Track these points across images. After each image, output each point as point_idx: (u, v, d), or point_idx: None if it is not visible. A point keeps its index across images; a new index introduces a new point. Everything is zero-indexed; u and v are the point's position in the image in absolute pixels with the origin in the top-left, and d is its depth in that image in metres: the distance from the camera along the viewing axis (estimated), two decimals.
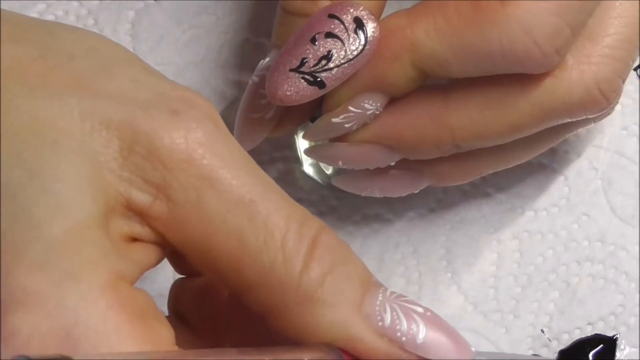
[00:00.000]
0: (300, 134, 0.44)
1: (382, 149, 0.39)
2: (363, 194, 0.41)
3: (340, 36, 0.36)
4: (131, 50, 0.47)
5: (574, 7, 0.36)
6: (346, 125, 0.38)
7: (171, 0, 0.47)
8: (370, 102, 0.38)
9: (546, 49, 0.35)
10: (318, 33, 0.37)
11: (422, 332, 0.32)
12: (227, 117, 0.46)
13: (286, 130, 0.41)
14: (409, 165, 0.40)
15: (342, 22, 0.36)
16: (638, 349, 0.45)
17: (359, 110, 0.38)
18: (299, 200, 0.46)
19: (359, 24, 0.36)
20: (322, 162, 0.40)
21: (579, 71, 0.37)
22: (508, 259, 0.46)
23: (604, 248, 0.46)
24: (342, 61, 0.36)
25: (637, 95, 0.47)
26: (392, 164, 0.39)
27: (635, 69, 0.47)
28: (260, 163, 0.46)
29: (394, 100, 0.38)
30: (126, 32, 0.47)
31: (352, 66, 0.37)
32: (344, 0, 0.37)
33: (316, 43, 0.37)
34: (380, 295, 0.32)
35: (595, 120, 0.40)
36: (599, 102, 0.38)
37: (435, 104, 0.38)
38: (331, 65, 0.36)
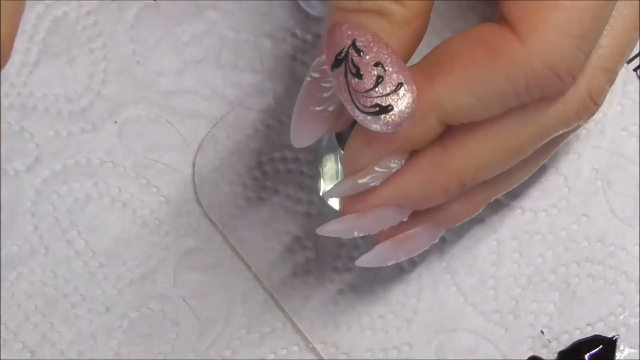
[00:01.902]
0: (326, 165, 0.44)
1: (392, 209, 0.38)
2: (389, 264, 0.41)
3: (375, 90, 0.36)
4: (131, 50, 0.47)
5: (591, 35, 0.36)
6: (371, 184, 0.38)
7: (171, 0, 0.47)
8: (396, 161, 0.37)
9: (567, 79, 0.36)
10: (381, 69, 0.36)
11: None
12: (227, 117, 0.46)
13: (344, 124, 0.40)
14: (421, 220, 0.40)
15: (389, 94, 0.36)
16: (638, 349, 0.45)
17: (385, 170, 0.38)
18: (299, 200, 0.46)
19: (384, 108, 0.35)
20: (336, 236, 0.40)
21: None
22: (508, 259, 0.46)
23: (603, 248, 0.46)
24: (351, 89, 0.36)
25: (637, 96, 0.47)
26: (404, 220, 0.39)
27: (635, 70, 0.47)
28: (260, 163, 0.46)
29: None
30: (126, 32, 0.47)
31: (344, 97, 0.36)
32: (417, 89, 0.36)
33: (375, 65, 0.36)
34: None
35: (584, 124, 0.41)
36: (591, 109, 0.38)
37: (434, 152, 0.38)
38: (348, 77, 0.36)
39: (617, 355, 0.45)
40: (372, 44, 0.36)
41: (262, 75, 0.47)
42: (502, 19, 0.36)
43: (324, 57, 0.37)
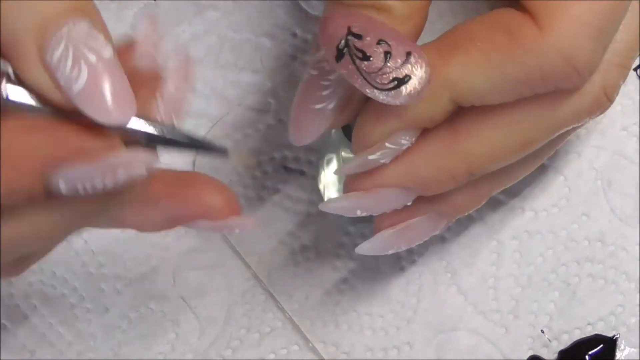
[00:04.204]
0: (325, 171, 0.44)
1: (398, 191, 0.38)
2: (390, 253, 0.41)
3: (388, 66, 0.36)
4: None
5: (609, 28, 0.36)
6: (381, 161, 0.38)
7: (171, 0, 0.47)
8: (407, 137, 0.37)
9: (583, 72, 0.36)
10: (387, 44, 0.36)
11: (80, 83, 0.31)
12: (227, 116, 0.46)
13: (345, 120, 0.39)
14: (425, 210, 0.40)
15: (402, 65, 0.35)
16: (638, 349, 0.45)
17: (396, 147, 0.37)
18: (299, 200, 0.46)
19: (402, 80, 0.35)
20: (339, 213, 0.39)
21: (588, 80, 0.37)
22: (508, 259, 0.46)
23: (603, 248, 0.46)
24: (363, 72, 0.36)
25: (637, 96, 0.47)
26: (409, 204, 0.39)
27: (635, 69, 0.47)
28: (260, 163, 0.46)
29: None
30: (126, 32, 0.47)
31: (358, 82, 0.36)
32: (429, 59, 0.36)
33: (378, 43, 0.36)
34: (69, 26, 0.31)
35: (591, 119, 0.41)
36: (604, 105, 0.38)
37: (444, 136, 0.38)
38: (356, 62, 0.36)
39: (618, 354, 0.45)
40: (367, 25, 0.36)
41: (262, 75, 0.47)
42: (522, 8, 0.36)
43: (322, 52, 0.37)
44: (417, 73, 0.35)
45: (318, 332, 0.45)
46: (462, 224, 0.46)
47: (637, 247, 0.46)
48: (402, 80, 0.35)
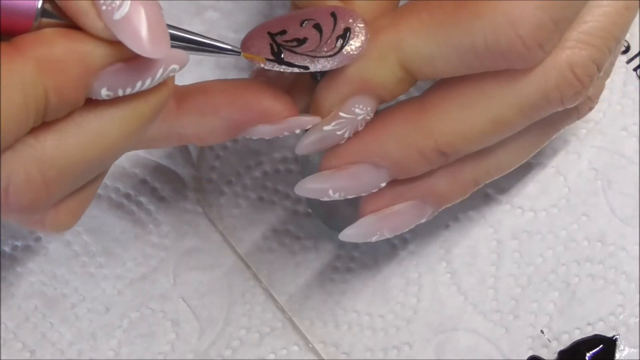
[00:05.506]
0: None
1: (368, 168, 0.38)
2: (374, 240, 0.40)
3: (324, 33, 0.36)
4: None
5: (558, 2, 0.36)
6: (338, 133, 0.38)
7: (171, 0, 0.47)
8: (361, 106, 0.37)
9: (529, 43, 0.35)
10: (311, 20, 0.37)
11: (122, 11, 0.32)
12: None
13: None
14: (407, 195, 0.40)
15: (335, 24, 0.36)
16: (638, 349, 0.45)
17: (350, 116, 0.37)
18: (298, 200, 0.46)
19: (345, 34, 0.36)
20: (312, 197, 0.39)
21: (552, 56, 0.37)
22: (508, 259, 0.46)
23: (603, 248, 0.46)
24: (309, 53, 0.36)
25: (637, 96, 0.47)
26: (383, 185, 0.39)
27: (635, 69, 0.47)
28: (260, 163, 0.46)
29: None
30: None
31: (312, 63, 0.36)
32: (352, 9, 0.37)
33: (302, 26, 0.37)
34: None
35: (578, 116, 0.41)
36: (574, 85, 0.37)
37: (412, 111, 0.38)
38: (297, 50, 0.36)
39: (617, 354, 0.45)
40: (280, 20, 0.37)
41: None
42: None
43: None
44: (352, 19, 0.37)
45: (318, 332, 0.45)
46: (462, 224, 0.46)
47: (637, 247, 0.46)
48: (345, 35, 0.36)
